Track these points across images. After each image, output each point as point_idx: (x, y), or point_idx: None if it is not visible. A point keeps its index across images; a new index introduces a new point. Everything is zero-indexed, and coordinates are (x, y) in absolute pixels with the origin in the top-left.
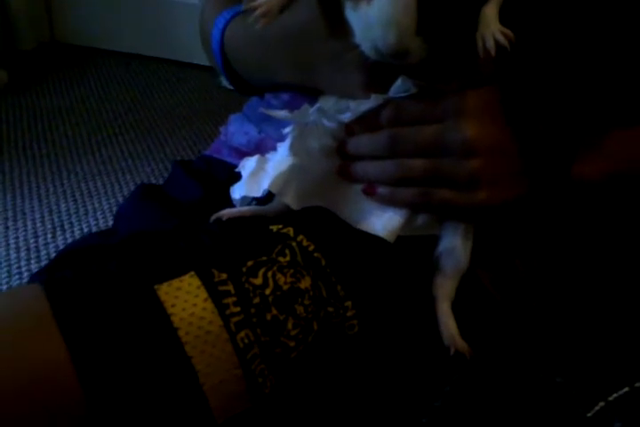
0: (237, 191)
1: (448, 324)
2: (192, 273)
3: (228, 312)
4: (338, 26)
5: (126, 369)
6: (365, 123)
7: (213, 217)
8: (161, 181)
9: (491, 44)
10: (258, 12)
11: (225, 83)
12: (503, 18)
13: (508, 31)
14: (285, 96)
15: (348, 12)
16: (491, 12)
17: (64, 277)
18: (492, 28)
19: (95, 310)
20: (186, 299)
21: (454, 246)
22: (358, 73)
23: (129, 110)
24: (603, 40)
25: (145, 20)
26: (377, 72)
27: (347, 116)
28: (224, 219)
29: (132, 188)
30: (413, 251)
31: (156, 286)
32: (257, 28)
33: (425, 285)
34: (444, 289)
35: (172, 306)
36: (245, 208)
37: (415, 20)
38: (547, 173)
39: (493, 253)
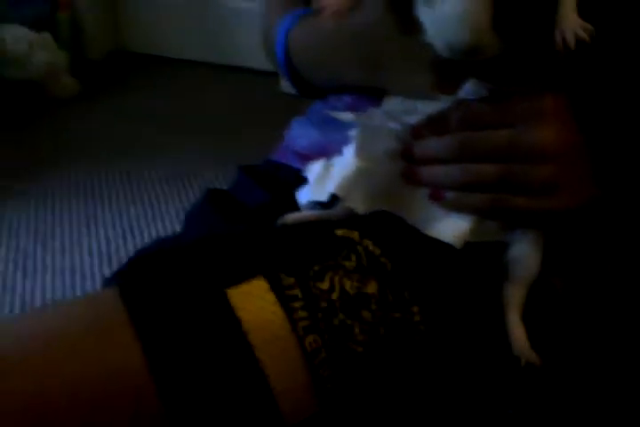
0: (304, 196)
1: (518, 334)
2: (260, 277)
3: (295, 316)
4: (407, 24)
5: (200, 374)
6: (433, 125)
7: (279, 222)
8: (225, 185)
9: (570, 37)
10: (329, 10)
11: (286, 87)
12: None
13: (588, 25)
14: (348, 98)
15: (420, 9)
16: (569, 6)
17: (139, 282)
18: (571, 22)
19: (169, 316)
20: (254, 302)
21: (524, 254)
22: (427, 72)
23: (197, 116)
24: None
25: (209, 28)
26: (447, 72)
27: (414, 118)
28: (289, 223)
29: (198, 192)
30: (482, 257)
31: (226, 290)
32: (324, 28)
33: (493, 292)
34: (514, 298)
35: (242, 309)
36: (310, 212)
37: (491, 15)
38: (614, 184)
39: (565, 260)
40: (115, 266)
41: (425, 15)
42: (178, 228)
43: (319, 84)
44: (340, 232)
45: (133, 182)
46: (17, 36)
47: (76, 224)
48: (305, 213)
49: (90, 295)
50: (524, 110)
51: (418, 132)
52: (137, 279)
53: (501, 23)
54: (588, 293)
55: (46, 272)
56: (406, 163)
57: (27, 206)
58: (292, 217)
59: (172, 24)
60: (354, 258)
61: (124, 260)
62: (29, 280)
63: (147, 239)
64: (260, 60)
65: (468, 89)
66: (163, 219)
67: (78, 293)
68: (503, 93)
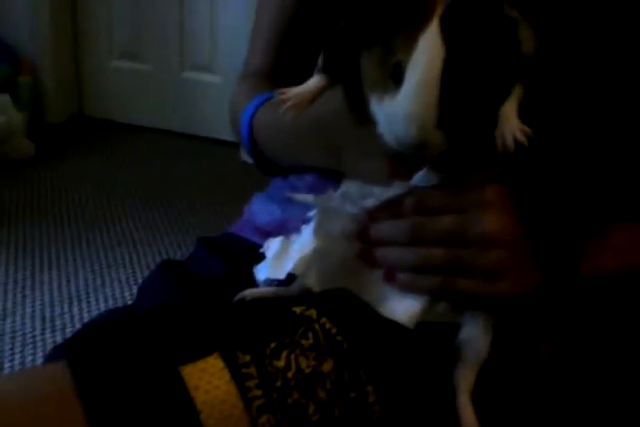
0: (261, 272)
1: (467, 415)
2: (216, 354)
3: (250, 395)
4: (363, 115)
5: None
6: (388, 210)
7: (237, 297)
8: (179, 253)
9: (510, 141)
10: (289, 103)
11: (247, 159)
12: (520, 115)
13: (526, 129)
14: (309, 178)
15: (373, 105)
16: (510, 110)
17: (90, 355)
18: (511, 126)
19: (120, 392)
20: (209, 381)
21: (474, 336)
22: (382, 161)
23: (151, 183)
24: (615, 138)
25: (170, 97)
26: (400, 160)
27: (370, 202)
28: (247, 299)
29: (150, 259)
30: (435, 337)
31: (180, 367)
32: (287, 118)
33: (446, 372)
34: (465, 379)
35: (196, 388)
36: (267, 289)
37: (436, 116)
38: (554, 269)
39: (514, 341)
40: (58, 331)
41: (377, 111)
42: (127, 295)
43: (283, 165)
44: (297, 310)
45: (84, 247)
46: None
47: (20, 287)
48: (262, 290)
49: (39, 368)
50: (471, 198)
51: (373, 215)
52: (87, 352)
53: (446, 123)
54: (573, 358)
55: None
56: (362, 244)
57: None
58: (250, 293)
59: (134, 92)
60: (311, 336)
61: (69, 325)
62: None
63: (93, 305)
64: (219, 130)
65: (421, 177)
66: (112, 285)
67: (17, 358)
68: (453, 182)
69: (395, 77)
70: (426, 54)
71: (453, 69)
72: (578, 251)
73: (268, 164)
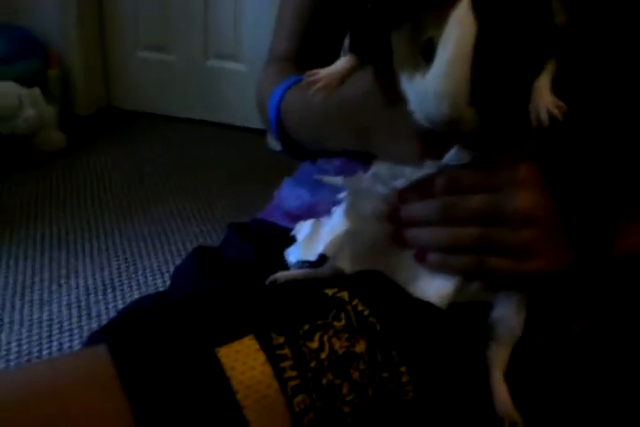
0: (293, 255)
1: (501, 393)
2: (251, 336)
3: (285, 376)
4: (393, 95)
5: None
6: (419, 190)
7: (269, 279)
8: (209, 241)
9: (544, 116)
10: (318, 84)
11: (274, 146)
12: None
13: (561, 103)
14: (337, 162)
15: (404, 83)
16: (543, 85)
17: (129, 339)
18: (545, 100)
19: (159, 374)
20: (245, 362)
21: (508, 315)
22: (412, 141)
23: (179, 172)
24: None
25: (195, 86)
26: (431, 140)
27: (400, 183)
28: (279, 281)
29: (181, 247)
30: (468, 317)
31: (216, 349)
32: (313, 100)
33: (479, 351)
34: (498, 358)
35: (232, 369)
36: (299, 271)
37: (468, 92)
38: (588, 247)
39: (547, 319)
40: (93, 319)
41: (408, 89)
42: (159, 282)
43: (310, 148)
44: (329, 292)
45: (116, 236)
46: (6, 92)
47: (56, 276)
48: (294, 272)
49: (79, 352)
50: (504, 177)
51: (404, 195)
52: (127, 337)
53: (479, 99)
54: (605, 338)
55: (23, 324)
56: (393, 225)
57: (6, 257)
58: (282, 275)
59: (161, 82)
60: (343, 318)
61: (103, 313)
62: (5, 332)
63: (127, 293)
64: (247, 118)
65: (452, 156)
66: (144, 273)
67: (55, 346)
68: (485, 160)
69: (426, 54)
70: (457, 30)
71: (485, 45)
72: (612, 229)
73: (296, 147)
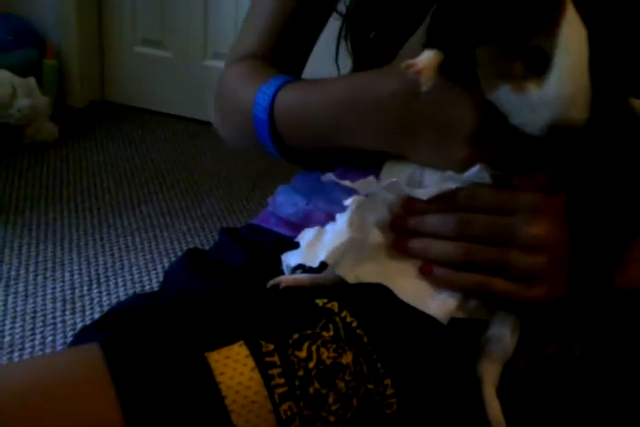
0: (293, 259)
1: (494, 408)
2: (241, 342)
3: (273, 383)
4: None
5: None
6: (434, 202)
7: (270, 283)
8: (197, 240)
9: None
10: (425, 75)
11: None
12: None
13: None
14: (336, 171)
15: (502, 94)
16: None
17: (121, 340)
18: None
19: (150, 375)
20: (234, 367)
21: (503, 334)
22: (463, 148)
23: (170, 169)
24: None
25: (191, 84)
26: (482, 146)
27: (425, 192)
28: (281, 286)
29: (169, 244)
30: (457, 333)
31: (207, 354)
32: (337, 93)
33: (467, 368)
34: (490, 372)
35: (221, 374)
36: (303, 276)
37: (590, 96)
38: (586, 281)
39: (532, 341)
40: (77, 313)
41: (511, 100)
42: (145, 279)
43: (310, 149)
44: (320, 302)
45: (104, 231)
46: (1, 80)
47: (42, 269)
48: (298, 276)
49: (72, 349)
50: (524, 201)
51: (410, 205)
52: (119, 336)
53: (597, 102)
54: (604, 359)
55: (6, 316)
56: (396, 233)
57: None
58: (284, 279)
59: (157, 78)
60: (332, 328)
61: (88, 308)
62: None
63: (112, 289)
64: None
65: (474, 173)
66: (131, 269)
67: (38, 339)
68: (505, 182)
69: (532, 63)
70: (575, 36)
71: (600, 49)
72: (613, 264)
73: (289, 149)
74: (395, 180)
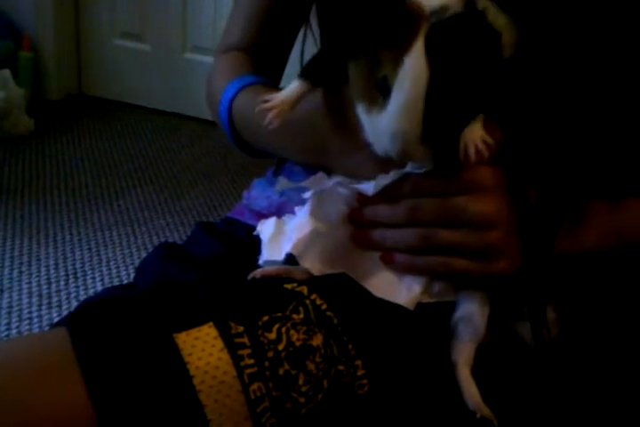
0: (261, 257)
1: (471, 390)
2: (210, 324)
3: (242, 364)
4: (344, 117)
5: (144, 415)
6: (383, 193)
7: (250, 276)
8: (176, 235)
9: (471, 151)
10: (272, 114)
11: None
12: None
13: (489, 139)
14: (286, 168)
15: (361, 113)
16: (476, 122)
17: (88, 323)
18: (474, 135)
19: (116, 355)
20: (203, 348)
21: (472, 313)
22: (372, 163)
23: (149, 164)
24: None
25: (170, 78)
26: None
27: (367, 188)
28: (257, 277)
29: (147, 239)
30: (428, 314)
31: (174, 335)
32: (270, 127)
33: (438, 350)
34: (464, 355)
35: (189, 355)
36: (280, 267)
37: (420, 132)
38: (533, 248)
39: (528, 305)
40: (54, 309)
41: (365, 120)
42: (123, 274)
43: (264, 151)
44: (289, 286)
45: (81, 225)
46: None
47: (17, 263)
48: (273, 268)
49: (40, 333)
50: (466, 181)
51: (364, 198)
52: (87, 321)
53: (430, 137)
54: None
55: None
56: (354, 226)
57: None
58: (260, 272)
59: (135, 71)
60: (302, 311)
61: (64, 303)
62: None
63: (89, 284)
64: None
65: (414, 165)
66: (108, 264)
67: (13, 333)
68: (448, 166)
69: (382, 90)
70: (411, 74)
71: (437, 89)
72: (553, 233)
73: (250, 148)
74: (337, 181)
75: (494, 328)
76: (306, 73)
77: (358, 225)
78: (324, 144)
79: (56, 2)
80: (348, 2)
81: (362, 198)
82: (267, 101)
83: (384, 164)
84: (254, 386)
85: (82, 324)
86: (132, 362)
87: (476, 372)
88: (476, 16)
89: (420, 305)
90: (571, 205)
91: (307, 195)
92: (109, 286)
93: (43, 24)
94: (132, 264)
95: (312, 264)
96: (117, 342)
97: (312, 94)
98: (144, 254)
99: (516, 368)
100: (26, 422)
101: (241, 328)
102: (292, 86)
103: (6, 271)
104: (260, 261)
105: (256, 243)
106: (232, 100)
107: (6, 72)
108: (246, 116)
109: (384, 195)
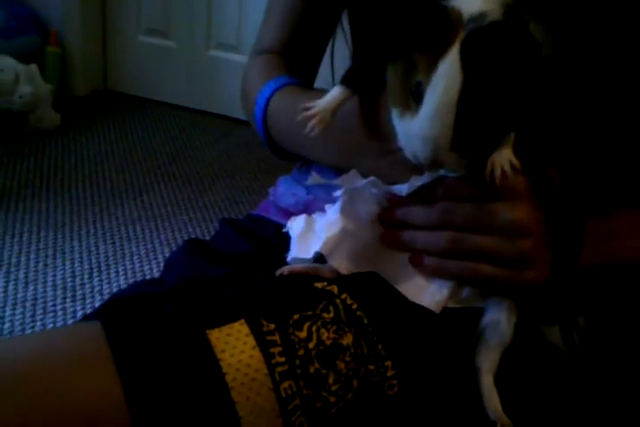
0: (289, 254)
1: (492, 398)
2: (242, 321)
3: (273, 362)
4: (378, 128)
5: (175, 410)
6: (416, 195)
7: (278, 272)
8: (198, 230)
9: (497, 172)
10: (314, 121)
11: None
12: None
13: (516, 162)
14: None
15: (394, 118)
16: (506, 143)
17: (122, 317)
18: (502, 157)
19: (150, 351)
20: (235, 345)
21: (499, 320)
22: (403, 168)
23: (173, 160)
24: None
25: (194, 75)
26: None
27: (400, 188)
28: (285, 273)
29: (170, 234)
30: (456, 319)
31: (207, 331)
32: (312, 135)
33: (466, 354)
34: (489, 361)
35: (222, 351)
36: (308, 265)
37: (450, 139)
38: (561, 258)
39: (558, 310)
40: (78, 302)
41: (398, 126)
42: (146, 269)
43: (295, 153)
44: (319, 285)
45: (105, 220)
46: (3, 67)
47: (42, 256)
48: (302, 266)
49: (73, 326)
50: (503, 187)
51: (397, 198)
52: (120, 316)
53: (461, 145)
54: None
55: (7, 302)
56: (384, 227)
57: None
58: (288, 268)
59: (160, 68)
60: (332, 310)
61: (88, 296)
62: None
63: (113, 277)
64: (240, 109)
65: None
66: (131, 259)
67: (38, 326)
68: (477, 176)
69: (415, 96)
70: (445, 80)
71: (470, 96)
72: (578, 245)
73: (280, 149)
74: (371, 180)
75: (522, 333)
76: (346, 80)
77: (388, 225)
78: (358, 147)
79: None
80: (388, 5)
81: (394, 198)
82: (308, 109)
83: (415, 170)
84: (285, 384)
85: (115, 318)
86: (165, 358)
87: (499, 378)
88: (517, 25)
89: (448, 309)
90: (600, 215)
91: (337, 193)
92: (132, 280)
93: (69, 20)
94: (154, 259)
95: (340, 263)
96: (151, 337)
97: (350, 101)
98: (167, 249)
99: (542, 375)
100: (61, 410)
101: (272, 326)
102: (332, 93)
103: (32, 264)
104: (289, 259)
105: (283, 241)
106: (268, 99)
107: (34, 67)
108: (280, 116)
109: (417, 196)
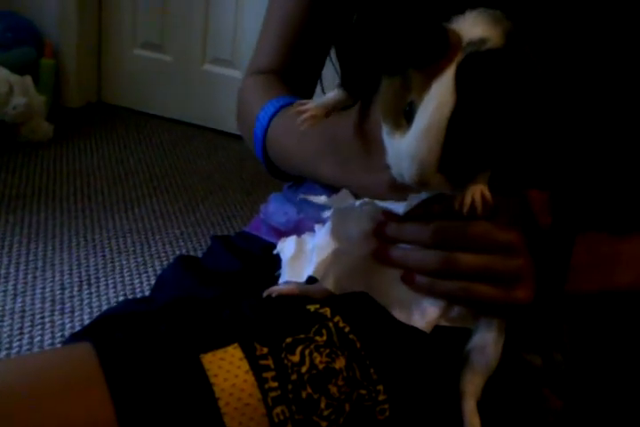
0: (280, 278)
1: (473, 423)
2: (236, 345)
3: (266, 386)
4: (371, 144)
5: None
6: (410, 212)
7: (265, 293)
8: (189, 244)
9: (467, 200)
10: (305, 115)
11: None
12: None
13: (488, 195)
14: (305, 184)
15: (384, 135)
16: (480, 181)
17: (114, 339)
18: (475, 186)
19: (143, 374)
20: (228, 369)
21: (486, 343)
22: (389, 186)
23: (165, 173)
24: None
25: (189, 89)
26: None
27: (397, 207)
28: (273, 295)
29: (161, 248)
30: (447, 341)
31: (201, 355)
32: (302, 129)
33: (452, 377)
34: (472, 386)
35: (215, 376)
36: (294, 285)
37: (437, 161)
38: (542, 282)
39: (540, 338)
40: (66, 314)
41: (387, 142)
42: (136, 282)
43: (292, 172)
44: (312, 308)
45: (96, 232)
46: None
47: (32, 268)
48: (289, 287)
49: (64, 348)
50: (498, 206)
51: (392, 215)
52: (112, 337)
53: (448, 167)
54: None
55: None
56: (379, 241)
57: None
58: (276, 289)
59: (154, 81)
60: (325, 333)
61: (77, 309)
62: None
63: (102, 291)
64: (235, 125)
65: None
66: (121, 272)
67: (26, 338)
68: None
69: (407, 115)
70: (437, 100)
71: (461, 118)
72: (563, 272)
73: (277, 169)
74: (367, 199)
75: (507, 358)
76: (344, 83)
77: (381, 241)
78: (351, 160)
79: (79, 10)
80: (389, 22)
81: (389, 215)
82: (302, 105)
83: (400, 188)
84: (278, 409)
85: (107, 340)
86: (158, 382)
87: (482, 403)
88: (516, 54)
89: (440, 329)
90: (613, 233)
91: (326, 214)
92: (122, 293)
93: (65, 31)
94: (145, 273)
95: (333, 284)
96: (143, 360)
97: (347, 110)
98: (157, 263)
99: (526, 399)
100: None
101: (265, 350)
102: (329, 94)
103: (20, 275)
104: (280, 282)
105: (273, 260)
106: (269, 121)
107: (28, 79)
108: (282, 132)
109: (410, 214)
